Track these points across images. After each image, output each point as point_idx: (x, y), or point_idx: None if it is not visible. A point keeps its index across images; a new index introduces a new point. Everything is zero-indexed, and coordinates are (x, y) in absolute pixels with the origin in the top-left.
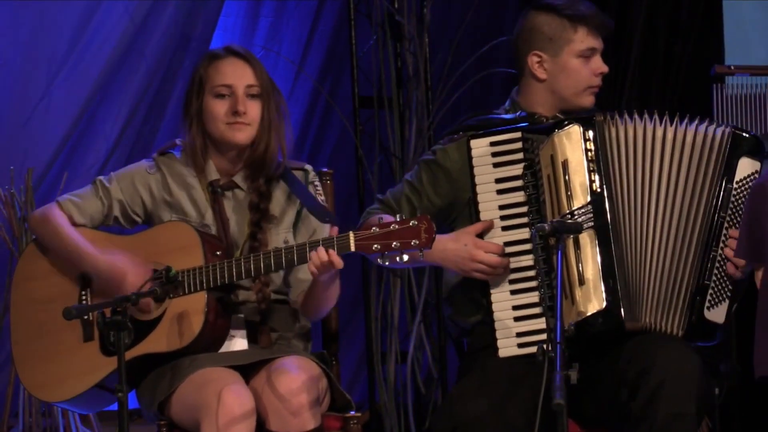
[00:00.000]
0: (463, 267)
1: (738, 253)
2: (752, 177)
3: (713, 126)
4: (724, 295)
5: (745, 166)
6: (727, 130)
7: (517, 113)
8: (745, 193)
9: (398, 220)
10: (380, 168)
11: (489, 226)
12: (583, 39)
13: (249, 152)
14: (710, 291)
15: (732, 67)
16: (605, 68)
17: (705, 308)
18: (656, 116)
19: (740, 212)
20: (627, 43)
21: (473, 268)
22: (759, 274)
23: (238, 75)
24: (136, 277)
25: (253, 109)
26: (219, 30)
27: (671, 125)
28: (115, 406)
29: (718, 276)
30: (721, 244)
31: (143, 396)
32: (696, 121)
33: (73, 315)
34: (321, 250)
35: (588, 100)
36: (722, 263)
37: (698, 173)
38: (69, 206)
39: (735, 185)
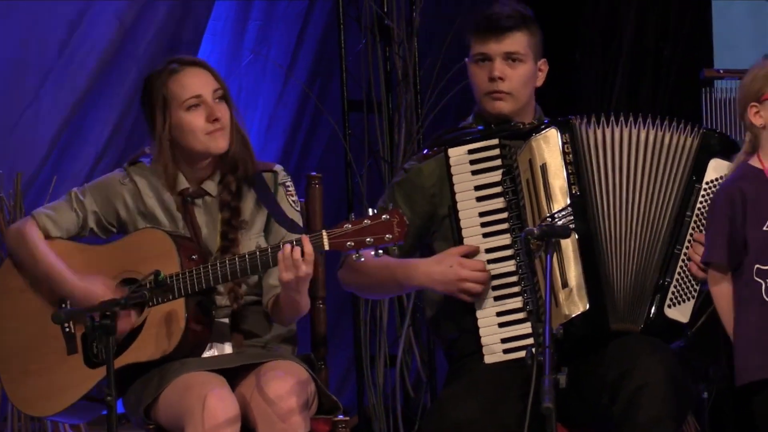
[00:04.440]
0: (451, 288)
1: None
2: (723, 178)
3: (687, 127)
4: (689, 295)
5: (717, 167)
6: (699, 130)
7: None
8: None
9: (371, 215)
10: (369, 172)
11: (474, 251)
12: (473, 45)
13: (219, 156)
14: (672, 289)
15: (721, 71)
16: (496, 72)
17: (666, 306)
18: (641, 119)
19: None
20: (616, 47)
21: (461, 288)
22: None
23: (203, 83)
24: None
25: (225, 112)
26: (208, 34)
27: (653, 128)
28: (103, 411)
29: (682, 275)
30: (687, 244)
31: (129, 401)
32: (674, 123)
33: (62, 319)
34: (296, 250)
35: (491, 106)
36: (686, 262)
37: (670, 173)
38: (44, 220)
39: (704, 185)
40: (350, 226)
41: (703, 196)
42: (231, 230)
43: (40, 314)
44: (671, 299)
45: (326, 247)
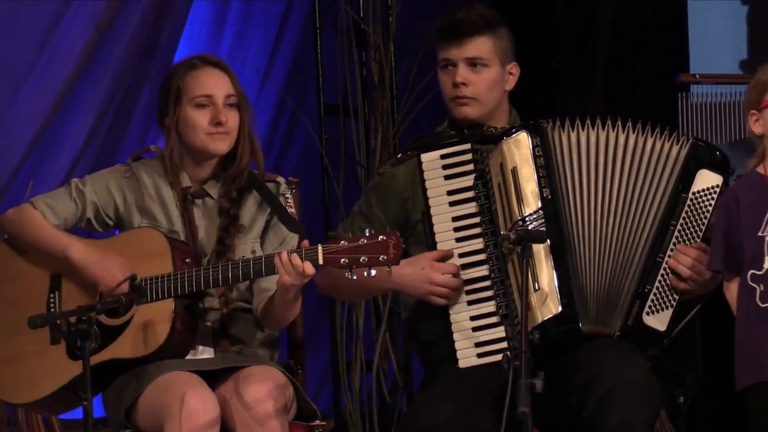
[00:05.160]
0: (421, 290)
1: (713, 264)
2: (713, 190)
3: (675, 135)
4: (668, 304)
5: (706, 178)
6: (689, 140)
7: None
8: (703, 203)
9: (368, 235)
10: (346, 176)
11: (448, 255)
12: (439, 52)
13: (224, 161)
14: (652, 297)
15: (697, 76)
16: (458, 78)
17: (644, 313)
18: (619, 122)
19: (694, 222)
20: (593, 51)
21: (431, 291)
22: (732, 287)
23: (217, 85)
24: (120, 268)
25: (233, 119)
26: (184, 38)
27: (633, 132)
28: (80, 414)
29: (663, 283)
30: (669, 253)
31: (109, 401)
32: (657, 130)
33: (38, 324)
34: (294, 256)
35: (457, 111)
36: (668, 271)
37: (653, 180)
38: (42, 207)
39: (691, 195)
40: (346, 243)
41: (689, 206)
42: (227, 237)
43: (27, 303)
44: (650, 307)
45: (320, 262)
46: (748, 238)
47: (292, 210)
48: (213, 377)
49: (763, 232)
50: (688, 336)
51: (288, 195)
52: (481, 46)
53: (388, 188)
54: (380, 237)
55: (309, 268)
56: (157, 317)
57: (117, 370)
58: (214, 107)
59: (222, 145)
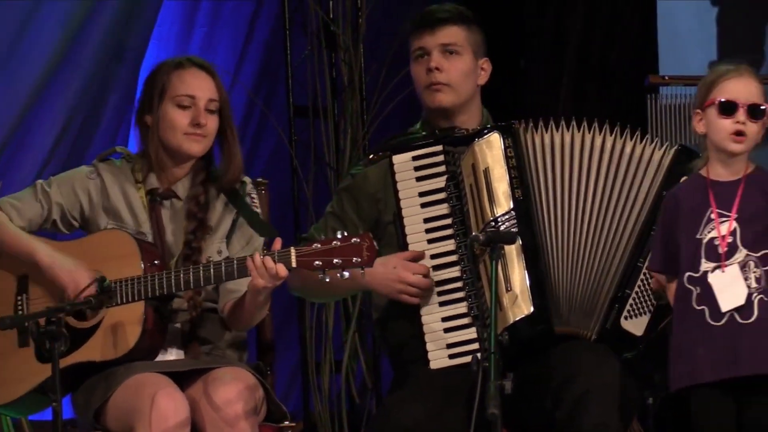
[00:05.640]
0: (391, 289)
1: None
2: None
3: (656, 141)
4: (646, 309)
5: None
6: (671, 146)
7: (435, 131)
8: None
9: (340, 237)
10: (315, 178)
11: (420, 256)
12: (412, 43)
13: (195, 163)
14: (631, 301)
15: (666, 78)
16: (433, 63)
17: (622, 317)
18: (595, 125)
19: None
20: (562, 52)
21: (401, 290)
22: (672, 288)
23: (202, 87)
24: (86, 271)
25: (212, 123)
26: (154, 40)
27: (610, 135)
28: (49, 415)
29: (642, 288)
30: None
31: (78, 403)
32: (637, 134)
33: (7, 325)
34: (267, 259)
35: (431, 99)
36: (648, 276)
37: (633, 184)
38: (7, 208)
39: None
40: (319, 245)
41: None
42: (195, 240)
43: None
44: (629, 311)
45: (293, 264)
46: (686, 240)
47: (258, 210)
48: (182, 379)
49: (700, 235)
50: (656, 336)
51: (254, 195)
52: (453, 33)
53: (360, 189)
54: (353, 239)
55: (282, 271)
56: (128, 320)
57: (86, 372)
58: (195, 108)
59: (197, 147)
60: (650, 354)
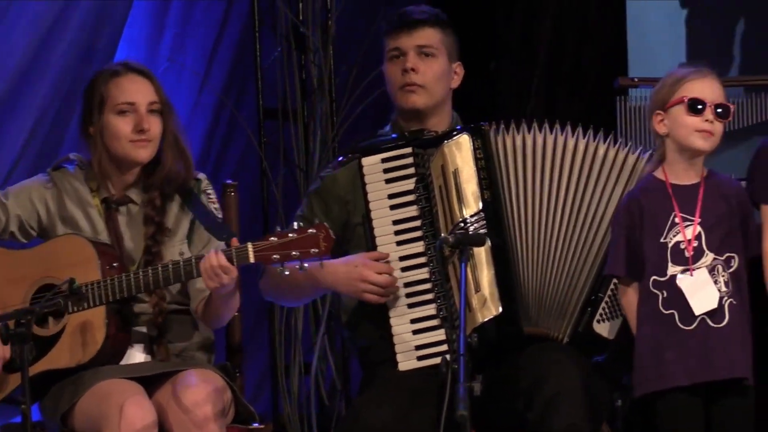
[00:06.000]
0: (353, 287)
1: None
2: None
3: (629, 145)
4: (618, 313)
5: None
6: (648, 152)
7: (405, 132)
8: None
9: (296, 229)
10: (285, 180)
11: (384, 257)
12: (387, 43)
13: (147, 167)
14: (603, 305)
15: (636, 79)
16: (409, 64)
17: (594, 321)
18: (568, 128)
19: None
20: (532, 55)
21: (364, 289)
22: (630, 292)
23: (140, 92)
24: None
25: (155, 126)
26: (124, 41)
27: (583, 137)
28: (18, 419)
29: (614, 292)
30: None
31: (46, 407)
32: (610, 137)
33: None
34: (211, 254)
35: (405, 100)
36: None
37: (606, 188)
38: None
39: None
40: (276, 239)
41: None
42: (155, 244)
43: None
44: (601, 315)
45: (251, 260)
46: (651, 244)
47: (216, 205)
48: (150, 382)
49: (665, 239)
50: (624, 338)
51: (209, 191)
52: (429, 35)
53: (330, 192)
54: (310, 230)
55: (232, 271)
56: (91, 324)
57: (53, 380)
58: (136, 114)
59: (144, 153)
60: (620, 357)
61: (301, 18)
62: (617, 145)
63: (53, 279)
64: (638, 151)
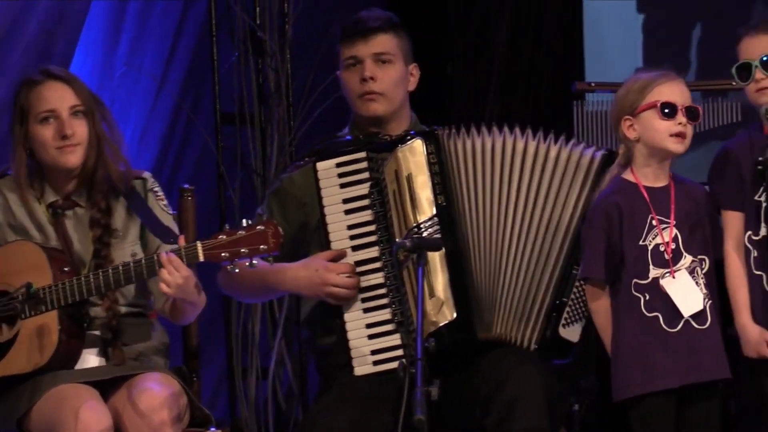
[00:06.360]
0: (317, 292)
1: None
2: None
3: (582, 145)
4: (581, 315)
5: None
6: (601, 151)
7: (360, 136)
8: None
9: (245, 226)
10: (242, 185)
11: (341, 255)
12: (343, 51)
13: (82, 171)
14: (567, 309)
15: (592, 84)
16: (367, 73)
17: (561, 325)
18: (517, 130)
19: None
20: (488, 59)
21: (327, 292)
22: (603, 296)
23: (59, 98)
24: None
25: (80, 129)
26: (81, 46)
27: (533, 140)
28: None
29: (577, 295)
30: None
31: (2, 410)
32: (562, 138)
33: None
34: (162, 256)
35: (365, 108)
36: (582, 283)
37: (561, 190)
38: None
39: None
40: (225, 237)
41: None
42: (103, 247)
43: None
44: (566, 319)
45: (201, 258)
46: (630, 246)
47: (164, 202)
48: (106, 386)
49: (644, 241)
50: (582, 342)
51: (156, 189)
52: (386, 42)
53: (287, 193)
54: (258, 227)
55: (177, 264)
56: (44, 330)
57: (7, 385)
58: (58, 121)
59: (73, 158)
60: (577, 360)
61: (258, 22)
62: (569, 147)
63: (6, 285)
64: (591, 151)
